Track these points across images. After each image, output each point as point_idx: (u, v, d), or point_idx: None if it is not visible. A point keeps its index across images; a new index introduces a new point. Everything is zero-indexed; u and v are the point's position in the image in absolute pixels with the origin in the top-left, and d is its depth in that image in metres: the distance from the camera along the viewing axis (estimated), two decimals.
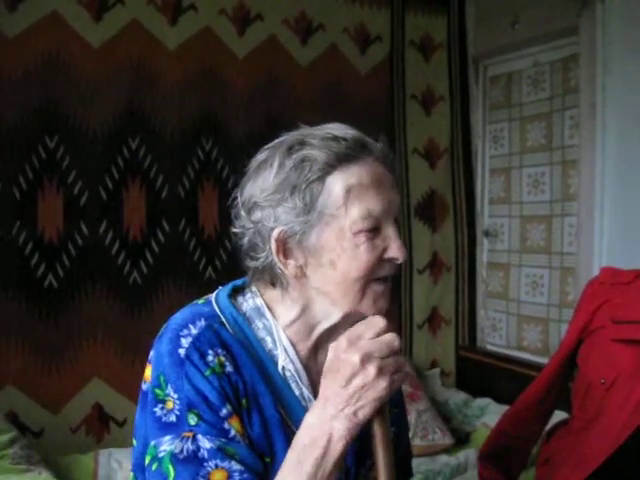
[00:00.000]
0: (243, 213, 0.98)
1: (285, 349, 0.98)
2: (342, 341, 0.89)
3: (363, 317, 0.96)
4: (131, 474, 1.01)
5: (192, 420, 0.89)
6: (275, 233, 0.94)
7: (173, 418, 0.90)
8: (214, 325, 0.95)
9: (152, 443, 0.90)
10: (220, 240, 2.54)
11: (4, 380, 2.22)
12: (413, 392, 2.60)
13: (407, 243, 2.96)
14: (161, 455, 0.89)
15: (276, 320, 1.00)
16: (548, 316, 2.82)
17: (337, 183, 0.93)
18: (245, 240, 0.99)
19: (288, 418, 0.96)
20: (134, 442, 0.99)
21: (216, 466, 0.87)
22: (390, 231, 0.96)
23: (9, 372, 2.22)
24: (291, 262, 0.96)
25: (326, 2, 2.77)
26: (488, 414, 2.65)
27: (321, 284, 0.96)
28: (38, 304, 2.26)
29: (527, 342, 2.92)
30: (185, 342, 0.92)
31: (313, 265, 0.95)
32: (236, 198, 1.01)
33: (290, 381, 0.98)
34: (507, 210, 3.02)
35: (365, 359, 0.87)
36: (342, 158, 0.93)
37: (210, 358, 0.91)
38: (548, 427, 1.73)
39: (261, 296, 1.02)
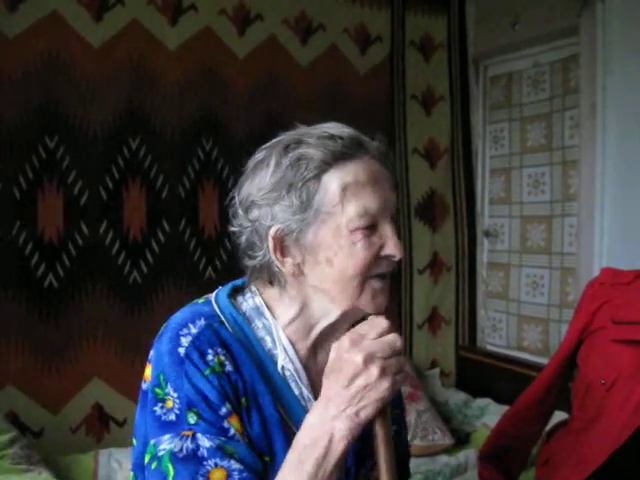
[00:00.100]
0: (241, 212, 0.99)
1: (284, 348, 0.99)
2: (345, 341, 0.89)
3: (362, 316, 0.96)
4: (131, 474, 1.01)
5: (192, 419, 0.90)
6: (272, 231, 0.95)
7: (173, 417, 0.90)
8: (214, 324, 0.95)
9: (152, 442, 0.91)
10: (220, 240, 2.53)
11: (4, 380, 2.22)
12: (413, 392, 2.60)
13: (407, 243, 2.97)
14: (161, 454, 0.89)
15: (275, 319, 1.00)
16: (548, 316, 2.82)
17: (333, 181, 0.93)
18: (243, 239, 1.00)
19: (287, 417, 0.96)
20: (134, 442, 0.99)
21: (215, 465, 0.88)
22: (387, 228, 0.96)
23: (9, 372, 2.22)
24: (288, 260, 0.96)
25: (326, 2, 2.77)
26: (488, 414, 2.65)
27: (318, 282, 0.96)
28: (38, 304, 2.26)
29: (527, 342, 2.92)
30: (185, 341, 0.92)
31: (310, 263, 0.96)
32: (234, 197, 1.01)
33: (289, 380, 0.98)
34: (507, 210, 3.02)
35: (368, 359, 0.87)
36: (338, 156, 0.93)
37: (210, 357, 0.91)
38: (548, 427, 1.72)
39: (260, 295, 1.02)
